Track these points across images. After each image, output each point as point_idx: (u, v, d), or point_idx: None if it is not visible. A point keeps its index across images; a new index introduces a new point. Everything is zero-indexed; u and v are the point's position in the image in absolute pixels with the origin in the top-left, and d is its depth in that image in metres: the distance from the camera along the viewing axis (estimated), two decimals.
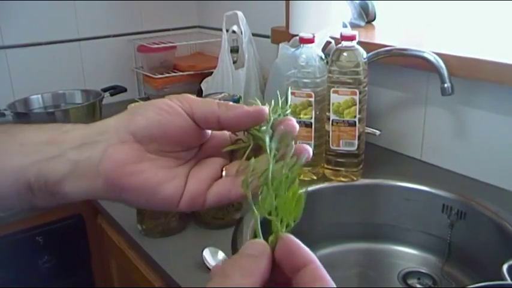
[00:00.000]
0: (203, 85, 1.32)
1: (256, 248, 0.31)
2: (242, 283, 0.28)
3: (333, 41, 1.03)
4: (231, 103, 0.37)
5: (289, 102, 0.37)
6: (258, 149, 0.37)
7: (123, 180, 0.36)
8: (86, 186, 0.36)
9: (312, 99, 0.95)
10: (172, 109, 0.36)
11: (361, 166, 0.99)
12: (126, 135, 0.36)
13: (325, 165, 1.00)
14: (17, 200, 0.38)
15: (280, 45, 1.10)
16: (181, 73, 1.56)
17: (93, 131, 0.37)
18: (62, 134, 0.37)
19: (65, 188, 0.36)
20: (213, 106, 0.37)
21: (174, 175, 0.37)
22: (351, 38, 0.92)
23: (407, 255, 0.99)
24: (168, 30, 1.73)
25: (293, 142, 0.35)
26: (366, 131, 1.00)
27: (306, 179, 1.00)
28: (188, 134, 0.37)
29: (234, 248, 0.79)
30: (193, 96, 0.37)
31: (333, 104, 0.94)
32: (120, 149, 0.36)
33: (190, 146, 0.39)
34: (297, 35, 0.99)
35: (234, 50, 1.31)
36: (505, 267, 0.64)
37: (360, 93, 0.92)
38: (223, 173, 0.38)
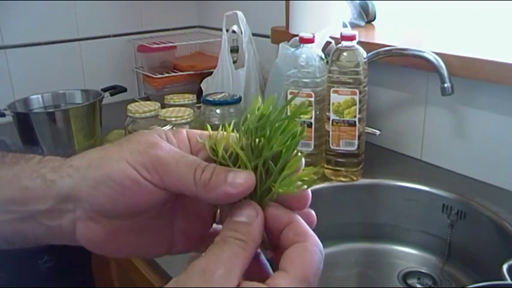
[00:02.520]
0: (203, 85, 1.32)
1: (247, 213, 0.31)
2: (227, 283, 0.27)
3: (333, 41, 1.03)
4: (210, 178, 0.31)
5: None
6: None
7: (107, 255, 0.34)
8: (70, 243, 0.34)
9: (312, 99, 0.95)
10: (137, 185, 0.31)
11: (361, 166, 0.99)
12: (91, 213, 0.32)
13: (325, 165, 1.00)
14: None
15: (280, 45, 1.10)
16: (181, 73, 1.56)
17: (52, 195, 0.32)
18: (21, 193, 0.33)
19: (47, 242, 0.34)
20: (189, 183, 0.31)
21: (157, 238, 0.35)
22: (351, 38, 0.92)
23: (407, 255, 0.99)
24: (168, 30, 1.73)
25: None
26: (366, 131, 1.00)
27: (305, 178, 1.00)
28: (160, 200, 0.32)
29: None
30: (167, 161, 0.31)
31: (333, 104, 0.94)
32: (91, 227, 0.32)
33: (166, 207, 0.34)
34: (297, 35, 0.99)
35: (234, 50, 1.31)
36: (505, 267, 0.64)
37: (360, 93, 0.92)
38: (215, 224, 0.36)
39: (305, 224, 0.32)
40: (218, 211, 0.36)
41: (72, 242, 0.34)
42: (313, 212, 0.35)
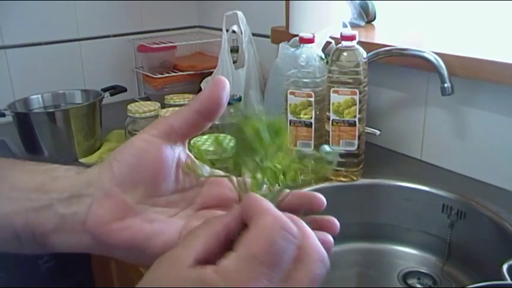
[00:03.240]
0: (203, 85, 1.32)
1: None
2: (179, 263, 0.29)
3: (333, 41, 1.03)
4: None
5: None
6: None
7: (109, 238, 0.34)
8: (74, 242, 0.35)
9: (312, 99, 0.95)
10: (148, 143, 0.35)
11: (361, 166, 0.99)
12: (110, 187, 0.34)
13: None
14: (3, 247, 0.37)
15: (280, 45, 1.10)
16: (181, 73, 1.56)
17: (80, 181, 0.35)
18: (52, 181, 0.36)
19: (53, 241, 0.35)
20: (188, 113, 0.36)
21: (163, 228, 0.35)
22: (351, 38, 0.92)
23: (407, 255, 0.99)
24: (168, 30, 1.73)
25: None
26: (366, 131, 1.00)
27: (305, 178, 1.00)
28: (171, 166, 0.36)
29: None
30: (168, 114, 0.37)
31: (333, 104, 0.94)
32: (105, 204, 0.34)
33: (179, 183, 0.37)
34: (297, 35, 0.99)
35: (234, 50, 1.31)
36: (505, 267, 0.64)
37: (360, 93, 0.92)
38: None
39: (268, 203, 0.30)
40: None
41: (79, 232, 0.35)
42: (333, 220, 0.36)
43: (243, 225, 0.30)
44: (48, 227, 0.35)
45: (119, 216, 0.34)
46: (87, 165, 0.37)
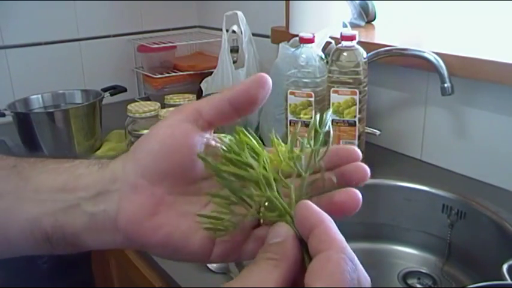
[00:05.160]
0: (203, 85, 1.31)
1: (278, 234, 0.29)
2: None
3: (333, 41, 1.03)
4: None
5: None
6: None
7: (143, 238, 0.33)
8: (107, 240, 0.34)
9: (312, 99, 0.95)
10: (174, 128, 0.33)
11: None
12: (136, 179, 0.33)
13: None
14: (35, 250, 0.36)
15: (280, 45, 1.10)
16: (181, 73, 1.56)
17: (105, 177, 0.34)
18: (75, 180, 0.34)
19: (85, 240, 0.34)
20: (219, 95, 0.34)
21: (197, 230, 0.33)
22: (351, 38, 0.92)
23: (407, 255, 0.99)
24: (168, 30, 1.73)
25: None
26: (366, 131, 1.00)
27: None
28: (196, 140, 0.33)
29: None
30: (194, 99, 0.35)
31: (333, 104, 0.94)
32: (134, 199, 0.32)
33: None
34: (297, 35, 0.99)
35: (234, 50, 1.31)
36: (505, 267, 0.64)
37: (360, 93, 0.92)
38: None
39: (331, 227, 0.29)
40: (261, 220, 0.34)
41: (111, 230, 0.33)
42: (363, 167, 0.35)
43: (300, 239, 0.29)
44: (78, 227, 0.34)
45: (150, 211, 0.32)
46: (110, 158, 0.36)
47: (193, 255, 0.33)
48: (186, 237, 0.33)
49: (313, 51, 0.96)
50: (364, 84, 0.93)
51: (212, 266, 0.76)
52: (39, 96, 1.27)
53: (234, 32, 1.26)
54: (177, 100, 1.17)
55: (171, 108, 1.11)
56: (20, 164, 0.37)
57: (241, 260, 0.33)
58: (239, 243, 0.33)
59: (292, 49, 1.02)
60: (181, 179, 0.33)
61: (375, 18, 1.29)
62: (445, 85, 0.91)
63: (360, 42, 0.93)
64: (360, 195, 0.33)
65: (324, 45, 1.03)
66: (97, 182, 0.34)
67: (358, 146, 0.96)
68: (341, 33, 0.93)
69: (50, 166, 0.36)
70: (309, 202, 0.30)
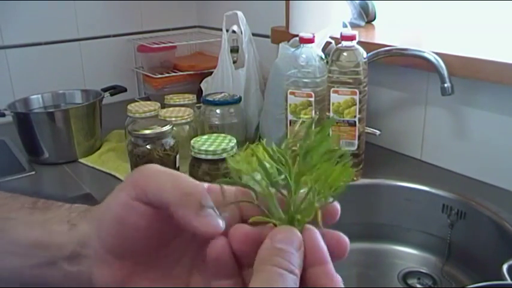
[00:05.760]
0: (203, 85, 1.31)
1: (289, 240, 0.29)
2: None
3: (333, 41, 1.03)
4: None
5: None
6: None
7: None
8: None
9: (312, 99, 0.95)
10: (128, 208, 0.32)
11: (361, 166, 0.99)
12: (103, 255, 0.33)
13: None
14: None
15: (280, 45, 1.10)
16: (181, 73, 1.56)
17: (74, 240, 0.34)
18: (48, 236, 0.35)
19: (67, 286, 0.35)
20: (168, 190, 0.31)
21: (173, 282, 0.33)
22: (351, 38, 0.92)
23: (407, 255, 0.99)
24: (168, 30, 1.73)
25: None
26: (366, 131, 1.00)
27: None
28: (153, 223, 0.32)
29: None
30: (149, 173, 0.32)
31: (333, 104, 0.94)
32: (104, 273, 0.33)
33: (171, 235, 0.34)
34: (297, 35, 0.99)
35: (234, 50, 1.31)
36: (505, 267, 0.64)
37: (360, 93, 0.92)
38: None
39: (332, 269, 0.31)
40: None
41: (88, 284, 0.34)
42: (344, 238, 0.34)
43: None
44: (56, 280, 0.35)
45: (123, 280, 0.33)
46: (81, 211, 0.36)
47: None
48: None
49: (313, 51, 0.96)
50: (364, 84, 0.93)
51: None
52: (39, 96, 1.27)
53: (234, 32, 1.26)
54: (177, 100, 1.17)
55: (170, 108, 1.11)
56: None
57: None
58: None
59: (292, 49, 1.02)
60: (147, 249, 0.33)
61: (375, 18, 1.29)
62: (445, 85, 0.91)
63: (360, 42, 0.93)
64: (348, 242, 0.34)
65: (324, 45, 1.03)
66: (69, 243, 0.34)
67: (358, 146, 0.96)
68: (341, 33, 0.93)
69: (24, 218, 0.36)
70: (316, 230, 0.31)
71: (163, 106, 1.15)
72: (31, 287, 0.36)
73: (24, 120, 1.16)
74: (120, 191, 0.33)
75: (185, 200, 0.30)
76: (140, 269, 0.33)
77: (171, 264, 0.34)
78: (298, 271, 0.29)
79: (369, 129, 1.03)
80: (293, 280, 0.28)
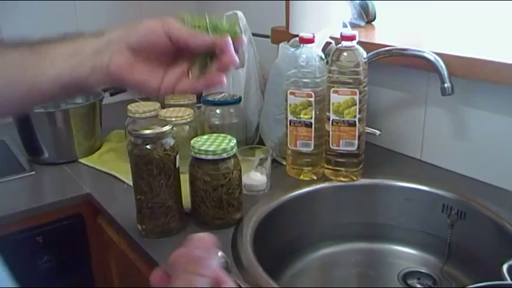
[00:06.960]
0: None
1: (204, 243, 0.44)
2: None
3: (333, 41, 1.03)
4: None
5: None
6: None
7: (123, 78, 0.55)
8: (101, 80, 0.55)
9: (312, 99, 0.95)
10: (157, 31, 0.55)
11: (361, 166, 0.99)
12: (124, 47, 0.54)
13: (325, 165, 1.00)
14: (56, 97, 0.59)
15: (280, 45, 1.10)
16: None
17: (102, 41, 0.55)
18: (81, 46, 0.55)
19: (89, 82, 0.55)
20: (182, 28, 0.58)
21: (155, 75, 0.56)
22: (351, 38, 0.92)
23: (407, 255, 0.99)
24: None
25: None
26: (366, 131, 1.00)
27: (306, 179, 1.00)
28: (165, 48, 0.55)
29: (234, 247, 0.79)
30: (175, 22, 0.58)
31: (333, 104, 0.94)
32: (121, 57, 0.54)
33: (167, 55, 0.56)
34: (297, 35, 0.99)
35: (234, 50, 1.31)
36: (505, 267, 0.64)
37: (360, 93, 0.92)
38: (189, 73, 0.57)
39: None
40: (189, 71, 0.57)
41: (104, 74, 0.54)
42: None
43: None
44: (85, 75, 0.54)
45: (128, 65, 0.54)
46: (101, 33, 0.56)
47: (150, 90, 0.56)
48: (147, 80, 0.56)
49: (313, 51, 0.96)
50: (364, 84, 0.93)
51: None
52: None
53: None
54: (177, 100, 1.17)
55: (171, 108, 1.11)
56: (39, 48, 0.58)
57: (174, 94, 0.57)
58: (173, 84, 0.56)
59: (292, 49, 1.02)
60: (150, 56, 0.55)
61: (375, 18, 1.29)
62: (445, 85, 0.91)
63: (360, 42, 0.93)
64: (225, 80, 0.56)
65: (324, 45, 1.03)
66: (96, 45, 0.55)
67: (358, 146, 0.96)
68: (341, 33, 0.93)
69: (63, 39, 0.57)
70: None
71: (163, 106, 1.15)
72: (65, 87, 0.55)
73: (24, 120, 1.16)
74: (154, 20, 0.56)
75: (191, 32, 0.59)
76: (142, 63, 0.55)
77: (160, 66, 0.57)
78: (212, 272, 0.41)
79: (369, 129, 1.03)
80: (207, 281, 0.40)
